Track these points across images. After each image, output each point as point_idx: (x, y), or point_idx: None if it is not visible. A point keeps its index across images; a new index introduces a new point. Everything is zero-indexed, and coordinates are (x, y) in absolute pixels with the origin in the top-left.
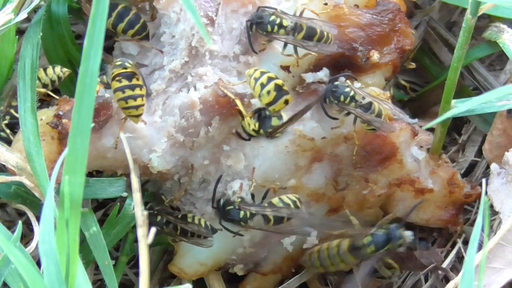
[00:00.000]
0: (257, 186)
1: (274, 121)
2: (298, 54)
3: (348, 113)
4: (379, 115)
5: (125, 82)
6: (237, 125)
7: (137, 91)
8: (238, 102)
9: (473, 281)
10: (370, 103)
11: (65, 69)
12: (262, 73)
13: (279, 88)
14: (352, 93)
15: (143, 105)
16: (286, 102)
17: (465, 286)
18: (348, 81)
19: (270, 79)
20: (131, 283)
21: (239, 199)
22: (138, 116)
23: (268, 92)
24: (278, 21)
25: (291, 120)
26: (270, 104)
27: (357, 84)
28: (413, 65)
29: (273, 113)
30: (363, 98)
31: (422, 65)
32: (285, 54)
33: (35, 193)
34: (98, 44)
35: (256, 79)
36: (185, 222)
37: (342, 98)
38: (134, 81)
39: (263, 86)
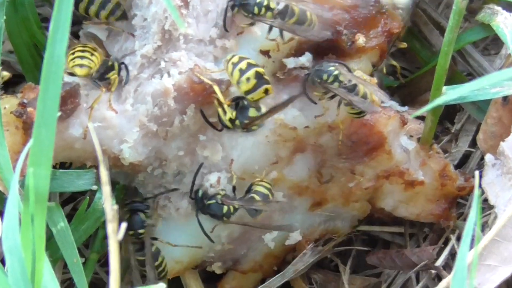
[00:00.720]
0: (236, 178)
1: (252, 112)
2: (284, 38)
3: (332, 97)
4: (363, 97)
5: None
6: (214, 114)
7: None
8: (216, 88)
9: (465, 280)
10: (355, 85)
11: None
12: (242, 59)
13: (259, 76)
14: (336, 72)
15: (86, 66)
16: (266, 91)
17: (457, 286)
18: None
19: (250, 65)
20: (103, 282)
21: (222, 192)
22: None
23: (248, 79)
24: (265, 2)
25: (271, 112)
26: (248, 92)
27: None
28: (404, 45)
29: (251, 102)
30: (349, 80)
31: (412, 50)
32: (269, 38)
33: None
34: (65, 27)
35: (235, 64)
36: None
37: (325, 76)
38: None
39: (242, 72)
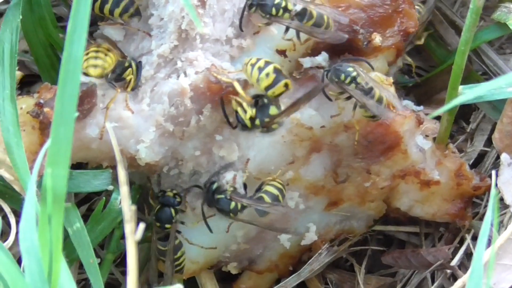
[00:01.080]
0: (251, 178)
1: (273, 110)
2: (301, 39)
3: (348, 98)
4: (379, 101)
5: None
6: (231, 114)
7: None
8: (236, 84)
9: (481, 279)
10: (371, 88)
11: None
12: (258, 59)
13: (278, 71)
14: (354, 73)
15: (100, 66)
16: (286, 86)
17: (474, 285)
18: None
19: (267, 63)
20: (118, 283)
21: (231, 189)
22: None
23: (267, 75)
24: (283, 4)
25: (292, 107)
26: (269, 87)
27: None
28: (421, 41)
29: (272, 98)
30: (366, 83)
31: (428, 49)
32: (286, 38)
33: (15, 187)
34: (83, 27)
35: (253, 65)
36: None
37: (342, 76)
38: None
39: (261, 69)
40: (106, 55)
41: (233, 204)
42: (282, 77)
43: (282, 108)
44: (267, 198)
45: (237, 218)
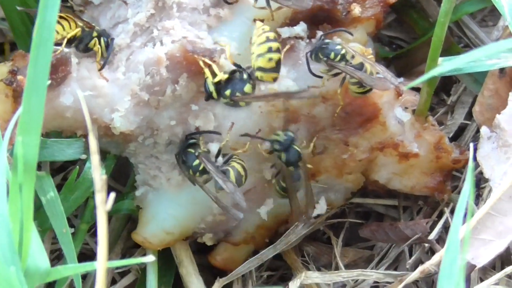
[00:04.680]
0: (227, 147)
1: (248, 88)
2: (271, 7)
3: (335, 74)
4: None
5: None
6: (202, 85)
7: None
8: (215, 68)
9: (458, 253)
10: (362, 64)
11: None
12: (275, 39)
13: (279, 64)
14: (343, 51)
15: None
16: (275, 79)
17: (449, 259)
18: (338, 39)
19: (278, 50)
20: (93, 253)
21: (204, 150)
22: None
23: (270, 59)
24: None
25: (268, 96)
26: (261, 69)
27: (352, 45)
28: None
29: (253, 77)
30: (352, 57)
31: (409, 20)
32: (257, 6)
33: None
34: None
35: (268, 39)
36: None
37: (332, 55)
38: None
39: (270, 50)
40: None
41: (196, 162)
42: (278, 70)
43: (256, 92)
44: (232, 174)
45: (195, 177)
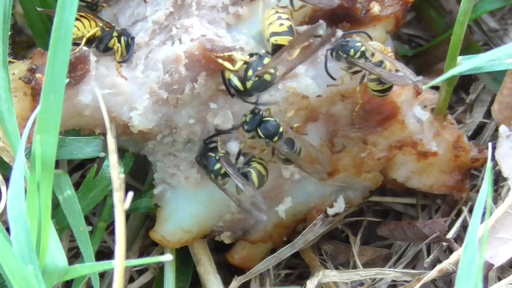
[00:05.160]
0: (246, 146)
1: (267, 60)
2: (294, 6)
3: (355, 72)
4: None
5: None
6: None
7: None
8: (235, 54)
9: (476, 252)
10: (381, 61)
11: None
12: (284, 14)
13: (292, 29)
14: (363, 48)
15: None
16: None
17: (467, 258)
18: (357, 37)
19: (289, 19)
20: (111, 251)
21: (223, 152)
22: None
23: (281, 24)
24: None
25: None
26: (275, 34)
27: (372, 43)
28: None
29: (270, 51)
30: (372, 54)
31: (428, 18)
32: (280, 5)
33: (4, 154)
34: None
35: (277, 12)
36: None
37: (352, 52)
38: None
39: (280, 18)
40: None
41: (217, 166)
42: (292, 34)
43: (280, 70)
44: (254, 175)
45: (216, 181)
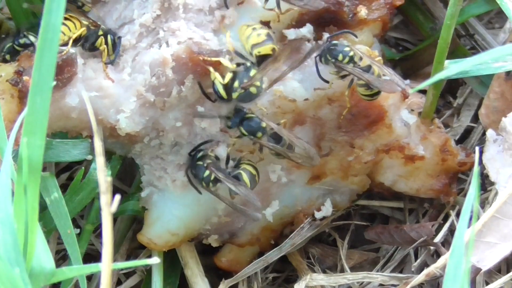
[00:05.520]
0: (233, 150)
1: (253, 72)
2: (281, 9)
3: (344, 76)
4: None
5: None
6: (209, 86)
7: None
8: (223, 60)
9: (463, 256)
10: (369, 66)
11: None
12: (257, 25)
13: (270, 36)
14: (351, 53)
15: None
16: (273, 50)
17: (454, 262)
18: (345, 41)
19: (263, 28)
20: (98, 254)
21: (211, 159)
22: None
23: (259, 35)
24: None
25: (273, 71)
26: (256, 45)
27: (359, 46)
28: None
29: (255, 62)
30: (360, 59)
31: (415, 22)
32: (267, 8)
33: None
34: None
35: (249, 26)
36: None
37: (340, 57)
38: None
39: (255, 29)
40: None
41: (207, 172)
42: (272, 41)
43: (265, 80)
44: (245, 176)
45: (209, 188)
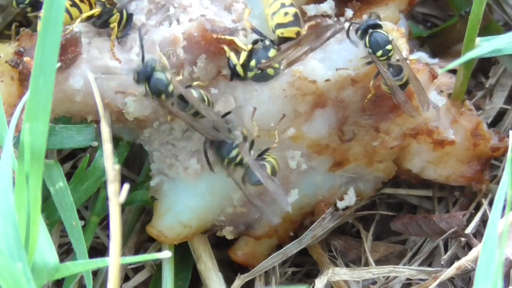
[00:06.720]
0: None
1: (272, 53)
2: None
3: (369, 62)
4: (406, 83)
5: None
6: (224, 65)
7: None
8: (237, 41)
9: (496, 249)
10: (401, 69)
11: None
12: (292, 4)
13: (297, 17)
14: (391, 53)
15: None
16: (298, 34)
17: (487, 255)
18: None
19: (292, 4)
20: (104, 247)
21: (241, 140)
22: None
23: (286, 14)
24: None
25: (294, 52)
26: (280, 25)
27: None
28: None
29: (275, 41)
30: (397, 60)
31: None
32: None
33: None
34: None
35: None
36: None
37: (379, 53)
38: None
39: (283, 5)
40: (72, 4)
41: (234, 152)
42: (299, 24)
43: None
44: (269, 169)
45: (228, 168)
